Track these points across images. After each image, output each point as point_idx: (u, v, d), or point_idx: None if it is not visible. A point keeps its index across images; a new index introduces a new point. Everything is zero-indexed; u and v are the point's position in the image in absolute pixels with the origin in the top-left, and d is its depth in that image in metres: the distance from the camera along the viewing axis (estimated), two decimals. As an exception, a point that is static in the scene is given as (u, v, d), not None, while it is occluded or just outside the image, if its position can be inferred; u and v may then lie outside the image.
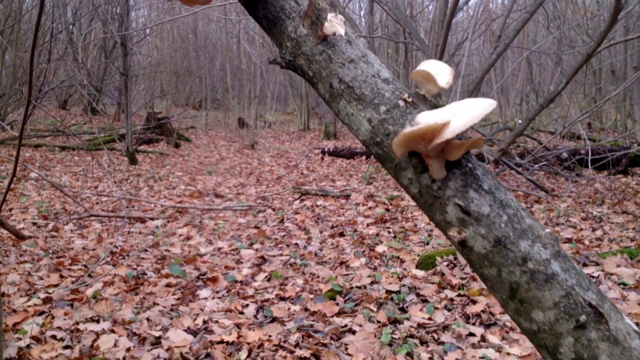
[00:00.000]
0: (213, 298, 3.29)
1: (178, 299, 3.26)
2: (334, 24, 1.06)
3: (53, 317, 2.90)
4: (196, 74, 16.61)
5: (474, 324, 2.82)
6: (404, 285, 3.31)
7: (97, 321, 2.86)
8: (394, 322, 2.85)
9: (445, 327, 2.78)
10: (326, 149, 10.89)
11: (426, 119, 0.95)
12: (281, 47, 1.13)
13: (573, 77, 5.73)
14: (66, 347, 2.57)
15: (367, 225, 5.08)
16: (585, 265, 3.56)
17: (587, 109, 11.74)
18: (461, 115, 0.93)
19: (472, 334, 2.70)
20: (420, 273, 3.52)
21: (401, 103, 1.01)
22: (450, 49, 8.38)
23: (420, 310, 2.96)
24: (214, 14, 11.78)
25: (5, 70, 11.04)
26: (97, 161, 9.01)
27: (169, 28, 16.70)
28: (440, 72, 1.02)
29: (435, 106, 1.03)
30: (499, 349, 2.53)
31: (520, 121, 11.68)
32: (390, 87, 1.03)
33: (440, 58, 6.35)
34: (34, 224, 5.17)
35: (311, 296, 3.20)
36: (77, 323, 2.82)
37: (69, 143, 10.63)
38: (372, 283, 3.38)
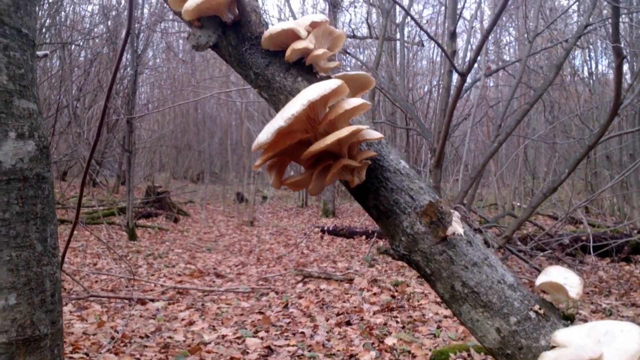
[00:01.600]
0: (222, 395, 3.17)
1: (186, 396, 3.14)
2: (453, 223, 1.07)
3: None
4: (196, 148, 16.81)
5: None
6: (419, 384, 3.21)
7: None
8: None
9: None
10: (326, 228, 10.86)
11: (573, 347, 0.96)
12: (393, 239, 1.14)
13: (575, 167, 5.85)
14: None
15: (374, 313, 4.99)
16: None
17: (584, 192, 11.91)
18: (615, 349, 0.94)
19: None
20: (435, 371, 3.42)
21: (532, 315, 1.02)
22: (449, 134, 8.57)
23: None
24: (218, 91, 12.11)
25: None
26: (97, 236, 8.92)
27: (170, 103, 17.09)
28: (570, 282, 1.07)
29: (565, 317, 1.03)
30: None
31: (518, 204, 11.81)
32: (517, 294, 1.03)
33: (443, 145, 6.49)
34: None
35: (325, 396, 3.09)
36: None
37: (68, 216, 10.58)
38: (386, 381, 3.28)
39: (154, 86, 17.95)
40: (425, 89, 15.11)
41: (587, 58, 12.04)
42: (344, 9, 13.87)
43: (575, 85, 11.78)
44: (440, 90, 7.55)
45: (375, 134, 1.24)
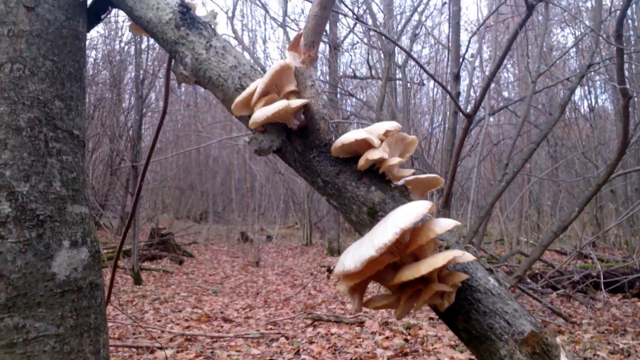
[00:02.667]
0: None
1: None
2: (562, 357, 1.05)
3: None
4: (199, 188, 16.85)
5: None
6: None
7: None
8: None
9: None
10: (332, 267, 10.77)
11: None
12: None
13: (585, 206, 5.85)
14: None
15: (388, 358, 4.91)
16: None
17: (589, 225, 11.87)
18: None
19: None
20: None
21: None
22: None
23: None
24: (222, 137, 12.24)
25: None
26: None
27: (173, 145, 17.22)
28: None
29: None
30: None
31: (524, 239, 11.76)
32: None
33: (451, 185, 6.50)
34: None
35: None
36: None
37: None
38: None
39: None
40: (426, 125, 15.23)
41: (587, 93, 12.18)
42: (344, 50, 14.10)
43: (576, 120, 11.88)
44: (446, 131, 7.60)
45: (469, 257, 1.18)
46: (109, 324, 6.31)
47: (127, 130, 13.93)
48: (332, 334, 5.87)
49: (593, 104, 12.31)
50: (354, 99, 12.91)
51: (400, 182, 1.32)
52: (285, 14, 10.72)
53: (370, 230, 1.21)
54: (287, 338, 5.83)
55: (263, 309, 7.60)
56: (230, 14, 9.82)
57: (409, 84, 11.21)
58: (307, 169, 1.36)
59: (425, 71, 5.98)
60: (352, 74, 14.29)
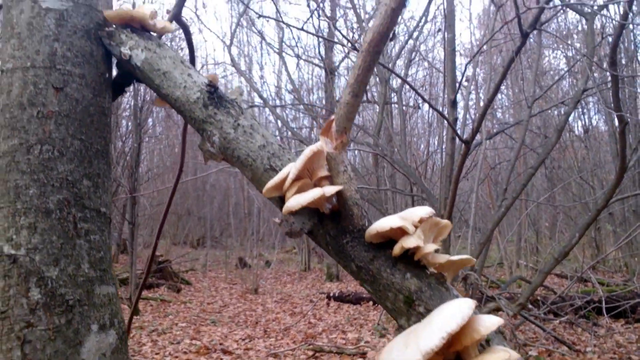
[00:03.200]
0: None
1: None
2: None
3: None
4: (196, 213, 16.80)
5: None
6: None
7: None
8: None
9: None
10: (331, 294, 10.71)
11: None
12: None
13: (585, 231, 5.84)
14: None
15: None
16: None
17: (588, 247, 11.85)
18: None
19: None
20: None
21: None
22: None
23: None
24: (222, 167, 12.24)
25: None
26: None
27: (170, 170, 17.20)
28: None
29: None
30: None
31: (523, 262, 11.73)
32: None
33: (450, 211, 6.49)
34: None
35: None
36: None
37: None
38: None
39: (153, 154, 18.15)
40: (422, 148, 15.29)
41: (581, 114, 12.26)
42: (340, 75, 14.20)
43: (571, 142, 11.94)
44: (444, 156, 7.62)
45: (515, 356, 1.15)
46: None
47: (124, 157, 13.91)
48: (333, 367, 5.80)
49: (587, 124, 12.38)
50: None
51: (436, 269, 1.32)
52: (281, 41, 10.81)
53: (406, 320, 1.21)
54: (287, 371, 5.76)
55: (263, 339, 7.52)
56: (228, 42, 9.89)
57: (404, 108, 11.28)
58: (339, 253, 1.35)
59: (423, 99, 6.00)
60: (348, 99, 14.34)
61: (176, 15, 1.85)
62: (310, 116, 11.47)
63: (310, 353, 6.40)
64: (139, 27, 1.65)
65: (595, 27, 7.20)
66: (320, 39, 11.67)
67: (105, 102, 1.63)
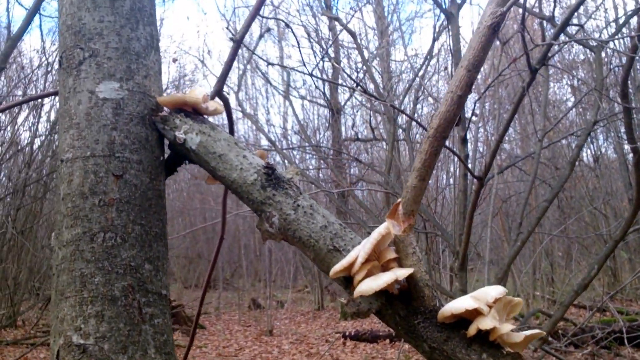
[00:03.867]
0: None
1: None
2: None
3: None
4: (207, 257, 16.77)
5: None
6: None
7: None
8: None
9: None
10: (347, 333, 10.60)
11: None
12: None
13: (604, 263, 5.82)
14: None
15: None
16: None
17: (604, 276, 11.73)
18: None
19: None
20: None
21: None
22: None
23: None
24: (236, 212, 12.31)
25: (22, 267, 11.15)
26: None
27: (179, 214, 17.27)
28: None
29: None
30: None
31: (539, 293, 11.61)
32: None
33: (466, 248, 6.47)
34: None
35: None
36: None
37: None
38: None
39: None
40: (431, 183, 15.31)
41: (590, 143, 12.30)
42: (345, 114, 14.36)
43: (582, 171, 11.96)
44: (456, 192, 7.65)
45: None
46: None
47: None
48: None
49: (597, 153, 12.41)
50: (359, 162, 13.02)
51: (512, 349, 1.33)
52: (287, 84, 10.98)
53: None
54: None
55: (283, 384, 7.42)
56: (235, 89, 10.07)
57: (412, 145, 11.36)
58: (411, 333, 1.37)
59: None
60: (355, 136, 14.49)
61: (219, 91, 1.91)
62: (317, 156, 11.55)
63: (334, 399, 6.30)
64: (191, 110, 1.70)
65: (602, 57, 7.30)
66: (326, 81, 11.84)
67: (160, 185, 1.67)
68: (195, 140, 1.63)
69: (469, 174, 6.89)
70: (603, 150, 12.95)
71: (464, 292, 6.78)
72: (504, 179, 11.85)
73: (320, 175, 13.97)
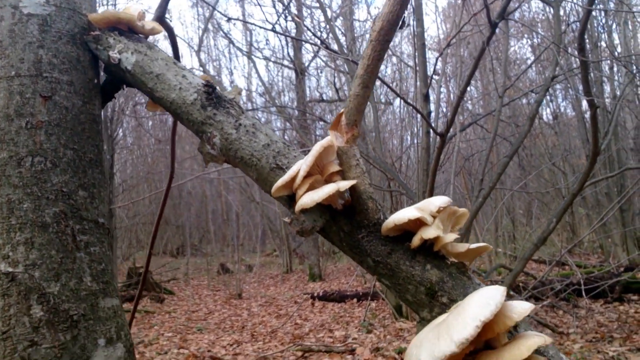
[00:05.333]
0: None
1: None
2: None
3: None
4: (174, 222, 16.59)
5: None
6: None
7: None
8: None
9: None
10: (315, 294, 10.70)
11: None
12: None
13: (562, 216, 5.95)
14: None
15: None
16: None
17: (562, 232, 12.08)
18: None
19: None
20: None
21: None
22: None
23: None
24: (200, 173, 12.13)
25: None
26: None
27: (144, 180, 16.97)
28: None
29: None
30: None
31: (500, 250, 11.90)
32: None
33: (430, 203, 6.55)
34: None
35: None
36: None
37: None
38: None
39: (126, 165, 17.87)
40: (395, 144, 15.38)
41: (549, 101, 12.50)
42: (310, 75, 14.20)
43: (541, 128, 12.17)
44: (419, 150, 7.68)
45: (548, 340, 1.11)
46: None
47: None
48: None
49: (556, 111, 12.63)
50: (324, 123, 12.96)
51: (457, 259, 1.30)
52: (250, 44, 10.75)
53: (429, 312, 1.18)
54: (279, 373, 5.73)
55: (251, 343, 7.47)
56: (196, 48, 9.79)
57: (376, 104, 11.33)
58: (355, 248, 1.32)
59: (396, 94, 6.05)
60: (320, 97, 14.38)
61: (160, 17, 1.81)
62: (282, 118, 11.44)
63: (299, 354, 6.38)
64: (126, 29, 1.60)
65: (561, 14, 7.34)
66: (289, 40, 11.64)
67: (95, 109, 1.58)
68: (130, 60, 1.54)
69: (431, 131, 6.92)
70: (562, 108, 13.20)
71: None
72: (467, 137, 11.97)
73: (286, 137, 13.87)
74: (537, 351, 1.14)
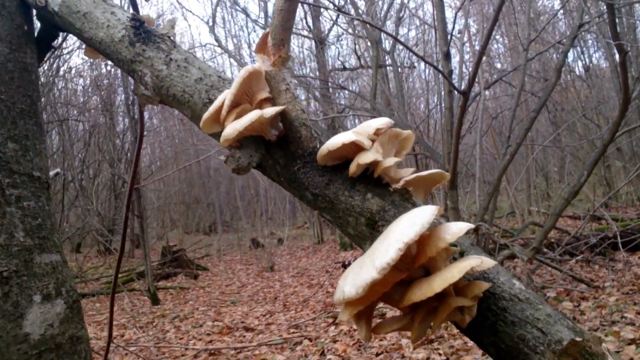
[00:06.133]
0: None
1: None
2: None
3: None
4: (204, 200, 16.81)
5: None
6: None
7: None
8: None
9: None
10: (347, 262, 10.71)
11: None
12: None
13: (593, 168, 5.75)
14: None
15: (414, 348, 4.83)
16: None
17: (599, 186, 11.75)
18: None
19: None
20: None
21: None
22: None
23: None
24: (218, 149, 12.17)
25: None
26: (119, 306, 8.83)
27: (173, 161, 17.17)
28: None
29: None
30: None
31: (535, 208, 11.65)
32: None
33: (455, 165, 6.40)
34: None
35: None
36: None
37: (88, 289, 10.48)
38: None
39: (154, 147, 18.08)
40: (422, 107, 15.13)
41: (580, 53, 12.04)
42: (330, 43, 14.00)
43: (572, 82, 11.75)
44: (443, 111, 7.50)
45: (489, 262, 1.02)
46: (132, 348, 6.26)
47: (124, 153, 13.89)
48: (354, 330, 5.80)
49: (587, 63, 12.16)
50: (347, 92, 12.80)
51: (401, 184, 1.18)
52: (266, 15, 10.62)
53: (370, 244, 1.08)
54: (310, 340, 5.76)
55: (283, 313, 7.54)
56: (210, 23, 9.73)
57: (399, 69, 11.11)
58: (292, 182, 1.22)
59: (414, 53, 5.89)
60: (342, 66, 14.19)
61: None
62: (304, 88, 11.33)
63: (330, 320, 6.40)
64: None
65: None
66: (307, 9, 11.46)
67: (27, 58, 1.51)
68: (57, 0, 1.45)
69: (454, 90, 6.74)
70: (595, 60, 12.70)
71: (455, 210, 6.75)
72: (495, 95, 11.67)
73: (311, 107, 13.78)
74: (486, 278, 1.06)
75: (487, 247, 6.52)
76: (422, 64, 14.25)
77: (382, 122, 1.18)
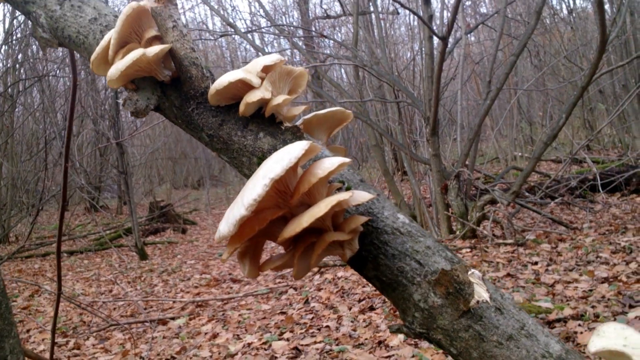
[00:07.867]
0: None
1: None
2: (475, 287, 0.91)
3: None
4: (191, 155, 16.75)
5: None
6: (452, 361, 3.17)
7: None
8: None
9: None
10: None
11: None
12: (405, 314, 0.96)
13: (572, 111, 5.75)
14: None
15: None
16: (631, 307, 3.43)
17: (582, 129, 11.81)
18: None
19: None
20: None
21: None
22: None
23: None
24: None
25: (4, 182, 11.10)
26: (107, 262, 8.92)
27: (158, 115, 16.96)
28: (632, 343, 0.80)
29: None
30: None
31: (519, 154, 11.73)
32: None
33: (436, 112, 6.39)
34: (55, 343, 5.00)
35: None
36: None
37: (76, 246, 10.55)
38: (418, 364, 3.24)
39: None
40: (408, 56, 14.94)
41: (564, -5, 11.86)
42: (312, -10, 13.65)
43: (556, 25, 11.61)
44: (424, 57, 7.42)
45: (364, 196, 1.01)
46: (120, 303, 6.36)
47: (107, 110, 13.69)
48: (338, 278, 5.91)
49: (571, 5, 12.00)
50: (332, 42, 12.59)
51: (299, 122, 1.17)
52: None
53: None
54: (295, 289, 5.88)
55: (270, 264, 7.66)
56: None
57: (382, 15, 10.91)
58: (189, 124, 1.20)
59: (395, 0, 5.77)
60: (325, 14, 13.89)
61: None
62: (284, 37, 11.12)
63: (315, 269, 6.51)
64: None
65: None
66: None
67: None
68: None
69: (434, 36, 6.64)
70: (579, 3, 12.51)
71: (437, 156, 6.78)
72: (478, 39, 11.52)
73: (296, 58, 13.57)
74: (370, 212, 1.07)
75: (468, 193, 6.60)
76: (406, 11, 13.98)
77: (272, 58, 1.15)
